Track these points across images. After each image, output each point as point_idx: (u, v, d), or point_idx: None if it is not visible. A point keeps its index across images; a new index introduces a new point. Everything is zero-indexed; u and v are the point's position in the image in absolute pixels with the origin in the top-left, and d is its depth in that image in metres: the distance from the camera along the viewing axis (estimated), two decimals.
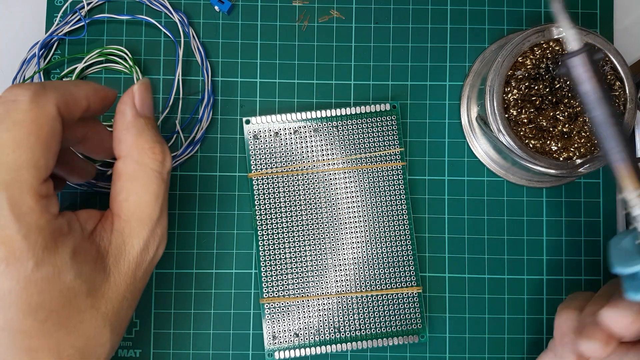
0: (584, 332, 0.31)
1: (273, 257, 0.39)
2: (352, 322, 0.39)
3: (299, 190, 0.39)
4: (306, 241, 0.39)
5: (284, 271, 0.39)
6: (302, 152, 0.39)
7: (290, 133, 0.40)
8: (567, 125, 0.35)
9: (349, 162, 0.39)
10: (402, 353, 0.39)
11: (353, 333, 0.39)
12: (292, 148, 0.39)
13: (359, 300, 0.39)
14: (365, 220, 0.39)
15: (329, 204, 0.39)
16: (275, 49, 0.41)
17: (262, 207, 0.39)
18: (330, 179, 0.39)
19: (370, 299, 0.39)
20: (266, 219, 0.39)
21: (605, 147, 0.29)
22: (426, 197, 0.40)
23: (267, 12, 0.41)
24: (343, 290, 0.39)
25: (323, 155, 0.39)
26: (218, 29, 0.41)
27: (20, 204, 0.25)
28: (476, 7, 0.41)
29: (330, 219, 0.39)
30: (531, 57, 0.35)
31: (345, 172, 0.39)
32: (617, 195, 0.40)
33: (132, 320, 0.40)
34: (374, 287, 0.39)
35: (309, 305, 0.39)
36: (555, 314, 0.35)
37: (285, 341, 0.38)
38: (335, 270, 0.39)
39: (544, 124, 0.35)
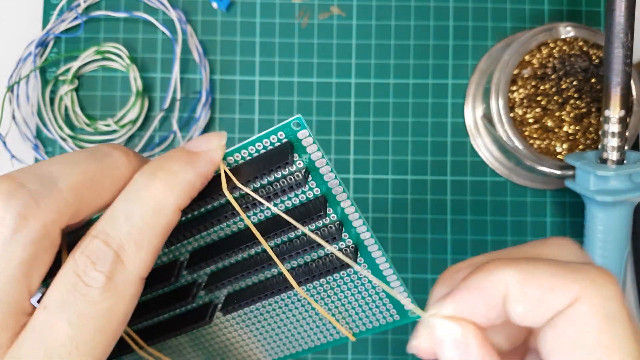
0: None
1: None
2: None
3: None
4: None
5: None
6: None
7: None
8: (572, 126, 0.35)
9: None
10: (403, 355, 0.39)
11: None
12: None
13: None
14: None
15: None
16: (275, 46, 0.40)
17: None
18: None
19: None
20: None
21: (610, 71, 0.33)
22: (428, 198, 0.40)
23: (266, 9, 0.41)
24: None
25: None
26: (216, 27, 0.41)
27: None
28: (479, 5, 0.41)
29: None
30: (538, 56, 0.35)
31: None
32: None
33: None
34: None
35: None
36: None
37: None
38: None
39: (550, 124, 0.35)
